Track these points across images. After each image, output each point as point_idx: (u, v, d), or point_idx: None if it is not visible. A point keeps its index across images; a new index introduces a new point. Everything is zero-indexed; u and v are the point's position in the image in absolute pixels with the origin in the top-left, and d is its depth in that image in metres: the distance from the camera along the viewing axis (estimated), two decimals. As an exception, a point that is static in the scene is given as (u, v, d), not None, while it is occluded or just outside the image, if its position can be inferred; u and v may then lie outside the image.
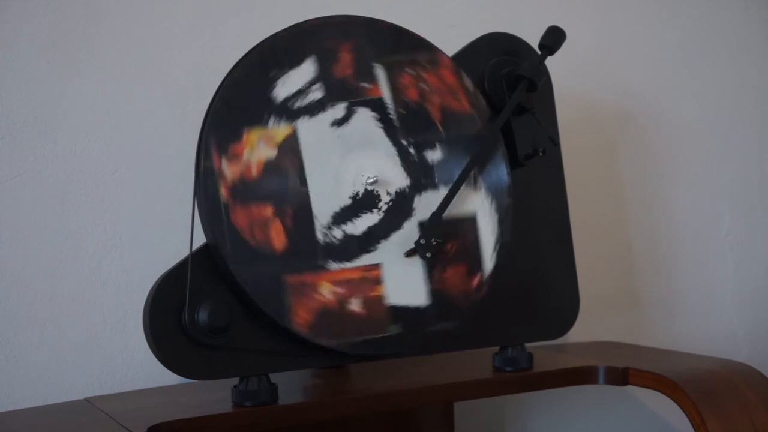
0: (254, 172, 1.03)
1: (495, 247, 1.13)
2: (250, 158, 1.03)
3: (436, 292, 1.09)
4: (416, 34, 1.14)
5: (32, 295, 1.21)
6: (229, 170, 1.02)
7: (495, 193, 1.14)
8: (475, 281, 1.12)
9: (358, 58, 1.09)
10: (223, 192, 1.01)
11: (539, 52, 1.19)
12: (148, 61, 1.27)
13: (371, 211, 1.08)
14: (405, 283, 1.08)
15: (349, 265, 1.06)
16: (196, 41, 1.30)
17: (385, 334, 1.07)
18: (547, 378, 1.19)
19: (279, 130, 1.05)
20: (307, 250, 1.04)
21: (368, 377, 1.18)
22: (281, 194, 1.04)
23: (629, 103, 1.60)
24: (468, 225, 1.12)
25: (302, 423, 1.06)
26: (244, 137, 1.03)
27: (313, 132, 1.06)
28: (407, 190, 1.10)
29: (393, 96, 1.10)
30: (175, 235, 1.26)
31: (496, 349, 1.20)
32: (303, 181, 1.05)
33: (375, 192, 1.08)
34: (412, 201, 1.10)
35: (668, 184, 1.63)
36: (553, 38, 1.18)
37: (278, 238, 1.03)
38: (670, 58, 1.65)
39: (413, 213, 1.10)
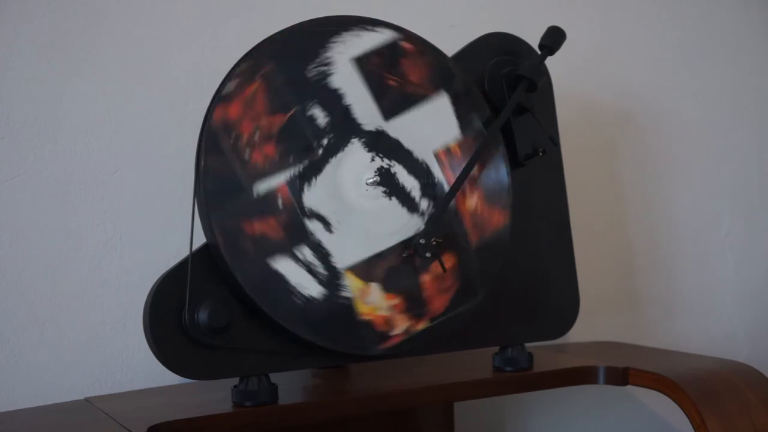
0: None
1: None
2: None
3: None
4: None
5: (32, 295, 1.21)
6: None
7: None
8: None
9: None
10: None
11: (539, 52, 1.19)
12: (148, 61, 1.27)
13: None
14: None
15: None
16: (196, 41, 1.30)
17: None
18: (547, 378, 1.19)
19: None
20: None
21: (368, 377, 1.18)
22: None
23: (629, 103, 1.60)
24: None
25: (302, 423, 1.06)
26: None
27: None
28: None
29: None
30: (175, 235, 1.26)
31: (496, 349, 1.20)
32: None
33: (375, 192, 1.08)
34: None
35: (668, 184, 1.63)
36: (553, 38, 1.18)
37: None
38: (670, 58, 1.65)
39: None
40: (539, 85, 1.17)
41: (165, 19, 1.28)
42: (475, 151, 1.13)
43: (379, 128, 1.09)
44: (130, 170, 1.26)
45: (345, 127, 1.07)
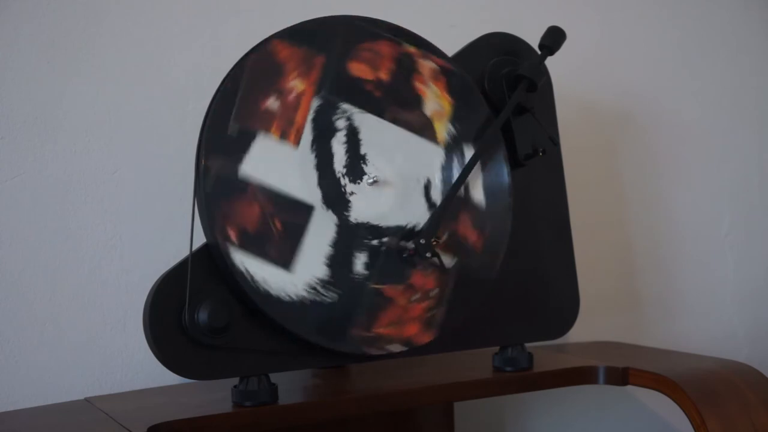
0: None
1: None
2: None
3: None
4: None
5: (32, 295, 1.21)
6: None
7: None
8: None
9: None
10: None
11: (539, 52, 1.19)
12: (148, 61, 1.27)
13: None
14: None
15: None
16: (196, 41, 1.30)
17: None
18: (547, 378, 1.19)
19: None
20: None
21: (368, 377, 1.18)
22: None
23: (629, 103, 1.60)
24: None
25: (302, 423, 1.06)
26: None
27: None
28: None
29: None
30: (175, 235, 1.26)
31: (496, 349, 1.20)
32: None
33: (375, 191, 1.08)
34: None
35: (668, 184, 1.63)
36: (553, 38, 1.18)
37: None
38: (670, 58, 1.65)
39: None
40: (539, 85, 1.17)
41: (165, 19, 1.28)
42: (476, 151, 1.13)
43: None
44: (130, 170, 1.26)
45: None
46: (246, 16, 1.33)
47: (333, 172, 1.07)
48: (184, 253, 1.02)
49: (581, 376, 1.21)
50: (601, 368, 1.21)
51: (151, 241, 1.26)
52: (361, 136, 1.09)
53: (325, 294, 1.05)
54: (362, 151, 1.08)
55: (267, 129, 1.04)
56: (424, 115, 1.12)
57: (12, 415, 1.12)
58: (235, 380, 1.06)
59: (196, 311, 1.01)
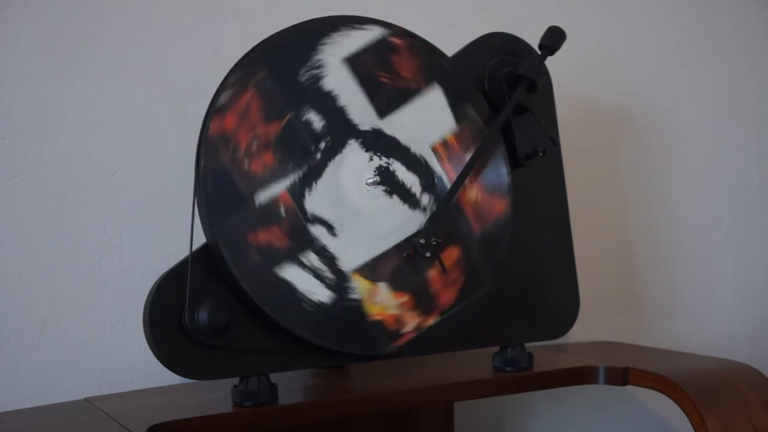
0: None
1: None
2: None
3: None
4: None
5: (32, 295, 1.21)
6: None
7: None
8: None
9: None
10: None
11: (539, 52, 1.19)
12: (148, 61, 1.27)
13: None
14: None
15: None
16: (196, 41, 1.30)
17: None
18: (547, 378, 1.19)
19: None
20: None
21: (368, 377, 1.18)
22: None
23: (629, 103, 1.60)
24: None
25: (302, 423, 1.06)
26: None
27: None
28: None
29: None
30: (175, 235, 1.26)
31: (496, 349, 1.20)
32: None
33: (375, 192, 1.08)
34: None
35: (668, 184, 1.63)
36: (553, 38, 1.18)
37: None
38: (670, 58, 1.65)
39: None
40: (539, 85, 1.17)
41: (165, 19, 1.28)
42: (476, 151, 1.13)
43: (375, 127, 1.09)
44: (130, 170, 1.26)
45: (341, 129, 1.07)
46: (246, 16, 1.33)
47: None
48: (184, 253, 1.02)
49: (581, 376, 1.21)
50: (601, 368, 1.21)
51: (151, 241, 1.26)
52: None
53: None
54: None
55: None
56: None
57: (12, 415, 1.12)
58: (235, 380, 1.06)
59: (196, 311, 1.01)
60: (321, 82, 1.07)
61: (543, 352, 1.28)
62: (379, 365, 1.22)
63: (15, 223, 1.20)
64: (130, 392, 1.21)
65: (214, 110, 1.02)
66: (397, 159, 1.10)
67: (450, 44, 1.18)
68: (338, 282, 1.05)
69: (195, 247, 1.01)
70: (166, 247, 1.26)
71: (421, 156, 1.11)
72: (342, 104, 1.07)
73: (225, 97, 1.03)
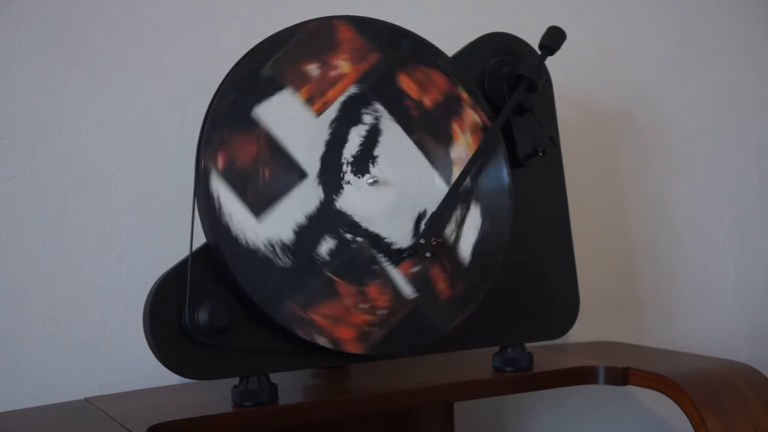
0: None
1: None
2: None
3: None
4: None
5: (32, 295, 1.21)
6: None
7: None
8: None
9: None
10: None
11: (539, 52, 1.19)
12: (148, 61, 1.27)
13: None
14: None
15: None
16: (196, 41, 1.30)
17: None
18: (547, 378, 1.19)
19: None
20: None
21: (368, 377, 1.18)
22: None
23: (629, 103, 1.60)
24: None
25: (302, 423, 1.06)
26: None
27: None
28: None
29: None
30: (175, 235, 1.26)
31: (496, 349, 1.20)
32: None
33: (376, 191, 1.08)
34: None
35: (668, 185, 1.63)
36: (553, 38, 1.18)
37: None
38: (671, 58, 1.65)
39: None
40: (539, 85, 1.17)
41: (165, 19, 1.28)
42: (475, 150, 1.13)
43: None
44: (130, 170, 1.26)
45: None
46: (246, 16, 1.33)
47: (340, 155, 1.07)
48: (184, 253, 1.02)
49: (581, 376, 1.21)
50: (601, 368, 1.21)
51: (151, 241, 1.26)
52: (381, 139, 1.09)
53: (280, 257, 1.03)
54: (376, 152, 1.08)
55: (297, 88, 1.05)
56: (448, 156, 1.12)
57: (12, 415, 1.12)
58: (235, 380, 1.06)
59: (196, 311, 1.01)
60: None
61: (543, 352, 1.28)
62: (379, 365, 1.22)
63: (15, 223, 1.20)
64: (130, 392, 1.20)
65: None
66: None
67: (450, 44, 1.18)
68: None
69: (195, 247, 1.01)
70: (166, 247, 1.26)
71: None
72: None
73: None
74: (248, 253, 1.01)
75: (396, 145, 1.10)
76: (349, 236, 1.07)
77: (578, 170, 1.48)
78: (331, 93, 1.07)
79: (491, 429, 1.49)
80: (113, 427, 1.00)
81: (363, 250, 1.07)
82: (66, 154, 1.23)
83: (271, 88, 1.04)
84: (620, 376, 1.20)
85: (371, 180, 1.08)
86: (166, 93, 1.28)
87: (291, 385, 1.14)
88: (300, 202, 1.04)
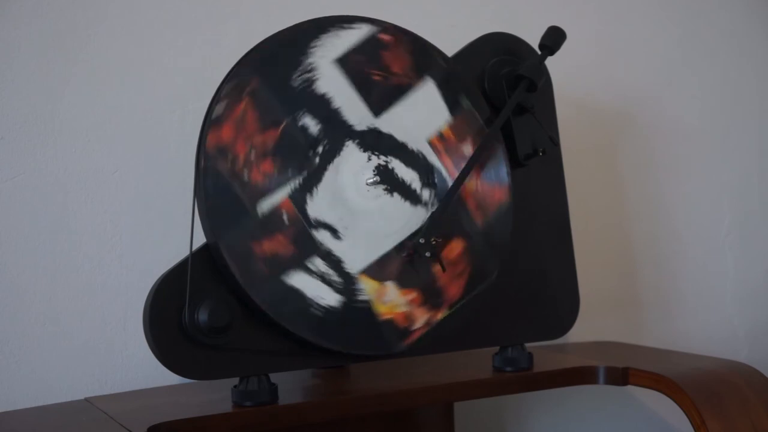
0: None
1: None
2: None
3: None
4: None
5: (32, 295, 1.21)
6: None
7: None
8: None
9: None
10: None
11: (539, 52, 1.19)
12: (148, 61, 1.27)
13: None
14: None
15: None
16: (196, 41, 1.30)
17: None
18: (547, 378, 1.19)
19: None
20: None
21: (368, 377, 1.18)
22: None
23: (629, 103, 1.60)
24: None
25: (302, 423, 1.06)
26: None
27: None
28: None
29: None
30: (175, 235, 1.26)
31: (496, 349, 1.20)
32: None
33: (376, 191, 1.08)
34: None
35: (668, 184, 1.63)
36: (554, 38, 1.18)
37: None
38: (671, 58, 1.65)
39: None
40: (539, 85, 1.17)
41: (165, 18, 1.28)
42: (475, 150, 1.13)
43: (371, 126, 1.09)
44: (130, 170, 1.26)
45: (337, 131, 1.07)
46: (246, 16, 1.33)
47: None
48: (184, 253, 1.02)
49: (581, 376, 1.21)
50: (601, 368, 1.21)
51: (151, 241, 1.26)
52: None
53: None
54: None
55: None
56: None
57: (12, 415, 1.12)
58: (235, 380, 1.06)
59: (196, 311, 1.01)
60: (314, 86, 1.06)
61: (543, 352, 1.28)
62: (379, 365, 1.22)
63: (15, 223, 1.20)
64: (130, 392, 1.20)
65: (210, 122, 1.02)
66: (396, 156, 1.10)
67: (450, 44, 1.18)
68: (346, 285, 1.05)
69: (195, 247, 1.01)
70: (166, 247, 1.26)
71: (419, 151, 1.11)
72: (336, 106, 1.07)
73: (220, 108, 1.02)
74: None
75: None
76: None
77: (578, 170, 1.48)
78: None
79: (491, 429, 1.49)
80: (113, 427, 1.00)
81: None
82: (66, 154, 1.23)
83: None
84: (620, 376, 1.20)
85: (371, 180, 1.08)
86: (166, 93, 1.28)
87: (291, 385, 1.14)
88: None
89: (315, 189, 1.05)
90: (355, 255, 1.06)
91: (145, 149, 1.27)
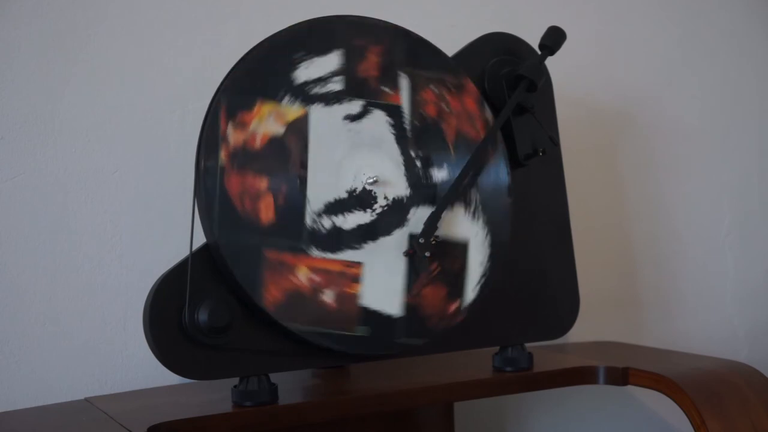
0: (258, 143, 1.03)
1: (480, 280, 1.13)
2: (257, 129, 1.03)
3: (410, 306, 1.09)
4: (448, 56, 1.14)
5: (32, 295, 1.21)
6: (233, 137, 1.02)
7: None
8: (453, 307, 1.11)
9: (385, 62, 1.09)
10: (223, 156, 1.01)
11: (539, 52, 1.19)
12: (148, 61, 1.27)
13: (365, 210, 1.08)
14: (382, 288, 1.08)
15: (330, 256, 1.05)
16: (196, 41, 1.30)
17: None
18: (547, 378, 1.19)
19: (291, 109, 1.04)
20: (293, 231, 1.04)
21: (368, 377, 1.18)
22: (279, 171, 1.03)
23: (629, 103, 1.60)
24: (458, 250, 1.12)
25: (302, 423, 1.06)
26: (256, 108, 1.03)
27: (324, 120, 1.06)
28: (405, 200, 1.10)
29: (411, 107, 1.10)
30: (175, 235, 1.26)
31: (496, 349, 1.20)
32: (303, 164, 1.05)
33: (373, 193, 1.08)
34: (407, 212, 1.10)
35: (668, 185, 1.63)
36: (554, 38, 1.18)
37: (266, 212, 1.02)
38: (671, 58, 1.65)
39: (406, 223, 1.09)
40: (539, 85, 1.17)
41: (165, 18, 1.28)
42: (475, 150, 1.13)
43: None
44: (130, 170, 1.26)
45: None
46: (246, 16, 1.33)
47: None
48: (184, 253, 1.02)
49: (581, 376, 1.21)
50: (601, 368, 1.21)
51: (151, 241, 1.26)
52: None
53: None
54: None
55: None
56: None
57: (12, 415, 1.12)
58: (235, 380, 1.06)
59: (196, 311, 1.01)
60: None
61: (543, 352, 1.28)
62: (379, 365, 1.22)
63: (15, 223, 1.20)
64: (130, 392, 1.20)
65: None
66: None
67: (450, 44, 1.18)
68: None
69: (195, 247, 1.01)
70: (166, 247, 1.26)
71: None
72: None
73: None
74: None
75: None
76: None
77: (578, 170, 1.48)
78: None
79: (491, 429, 1.49)
80: (113, 427, 1.00)
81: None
82: (66, 154, 1.23)
83: None
84: (620, 376, 1.20)
85: (371, 180, 1.08)
86: (166, 93, 1.28)
87: (291, 385, 1.14)
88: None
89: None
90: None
91: (145, 149, 1.27)
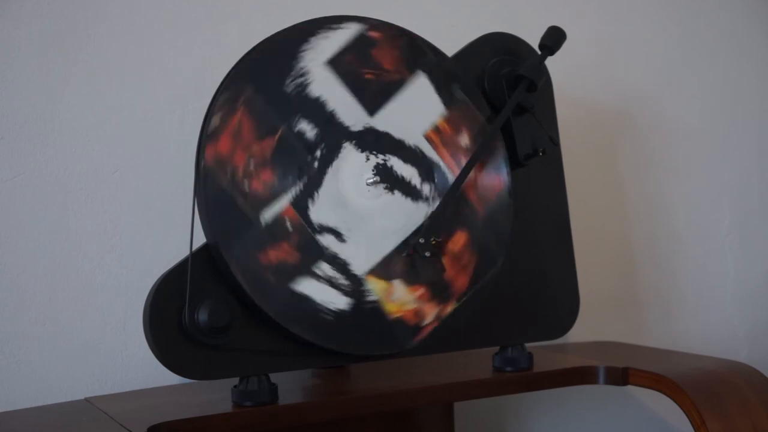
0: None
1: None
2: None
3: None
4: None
5: (32, 295, 1.21)
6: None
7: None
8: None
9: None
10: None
11: (539, 52, 1.19)
12: (148, 61, 1.27)
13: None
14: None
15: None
16: (196, 41, 1.30)
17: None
18: (547, 378, 1.19)
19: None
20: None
21: (368, 377, 1.18)
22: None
23: (629, 103, 1.60)
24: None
25: (302, 423, 1.06)
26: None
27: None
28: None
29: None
30: (175, 235, 1.26)
31: (496, 349, 1.20)
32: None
33: (377, 191, 1.08)
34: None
35: (668, 184, 1.63)
36: (554, 38, 1.18)
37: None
38: (671, 58, 1.65)
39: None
40: (539, 85, 1.17)
41: (165, 18, 1.28)
42: (475, 151, 1.13)
43: (367, 126, 1.09)
44: (130, 170, 1.26)
45: (334, 134, 1.07)
46: (246, 16, 1.33)
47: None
48: (184, 253, 1.02)
49: (581, 376, 1.21)
50: (601, 368, 1.21)
51: (151, 241, 1.26)
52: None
53: None
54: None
55: None
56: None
57: (12, 415, 1.12)
58: (235, 380, 1.06)
59: (196, 311, 1.01)
60: (307, 90, 1.06)
61: (543, 352, 1.28)
62: (379, 365, 1.22)
63: (15, 223, 1.20)
64: (130, 392, 1.21)
65: (206, 136, 1.02)
66: (393, 154, 1.10)
67: (450, 44, 1.18)
68: (354, 287, 1.05)
69: (195, 247, 1.01)
70: (166, 247, 1.26)
71: (416, 147, 1.11)
72: (331, 108, 1.07)
73: (216, 120, 1.02)
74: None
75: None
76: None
77: (578, 170, 1.48)
78: None
79: (491, 429, 1.49)
80: (113, 427, 1.00)
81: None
82: (66, 154, 1.23)
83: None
84: (620, 376, 1.20)
85: (371, 180, 1.08)
86: (166, 93, 1.28)
87: (291, 385, 1.14)
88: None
89: (316, 194, 1.05)
90: (361, 256, 1.06)
91: (145, 149, 1.27)
